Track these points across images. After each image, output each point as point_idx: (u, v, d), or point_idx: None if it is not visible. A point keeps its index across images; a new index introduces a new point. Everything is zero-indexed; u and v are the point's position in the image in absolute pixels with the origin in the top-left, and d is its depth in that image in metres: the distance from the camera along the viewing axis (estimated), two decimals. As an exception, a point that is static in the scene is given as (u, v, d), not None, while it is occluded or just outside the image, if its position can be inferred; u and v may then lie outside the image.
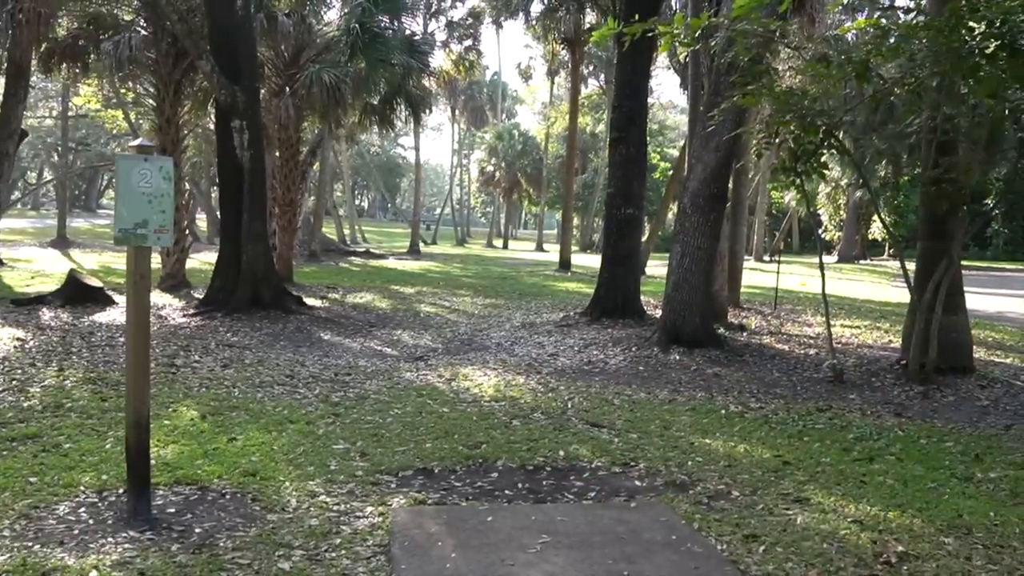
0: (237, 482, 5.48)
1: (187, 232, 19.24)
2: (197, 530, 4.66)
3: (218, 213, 18.40)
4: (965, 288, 10.57)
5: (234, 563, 4.22)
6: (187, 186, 21.36)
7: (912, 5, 10.56)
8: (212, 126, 17.46)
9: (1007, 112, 8.78)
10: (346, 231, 49.09)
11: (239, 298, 13.47)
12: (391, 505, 5.14)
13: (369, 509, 5.06)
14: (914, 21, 8.94)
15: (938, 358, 9.52)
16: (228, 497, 5.23)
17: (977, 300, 15.32)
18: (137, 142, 4.85)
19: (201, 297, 14.59)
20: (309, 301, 15.54)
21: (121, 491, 5.08)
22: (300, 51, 18.92)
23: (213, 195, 39.78)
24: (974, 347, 10.79)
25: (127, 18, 17.20)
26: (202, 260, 24.36)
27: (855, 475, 6.03)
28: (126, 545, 4.38)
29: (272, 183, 18.76)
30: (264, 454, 6.13)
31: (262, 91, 16.95)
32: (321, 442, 6.53)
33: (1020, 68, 7.88)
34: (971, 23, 8.04)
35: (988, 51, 7.99)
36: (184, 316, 13.18)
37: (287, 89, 18.57)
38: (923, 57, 8.58)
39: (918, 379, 9.44)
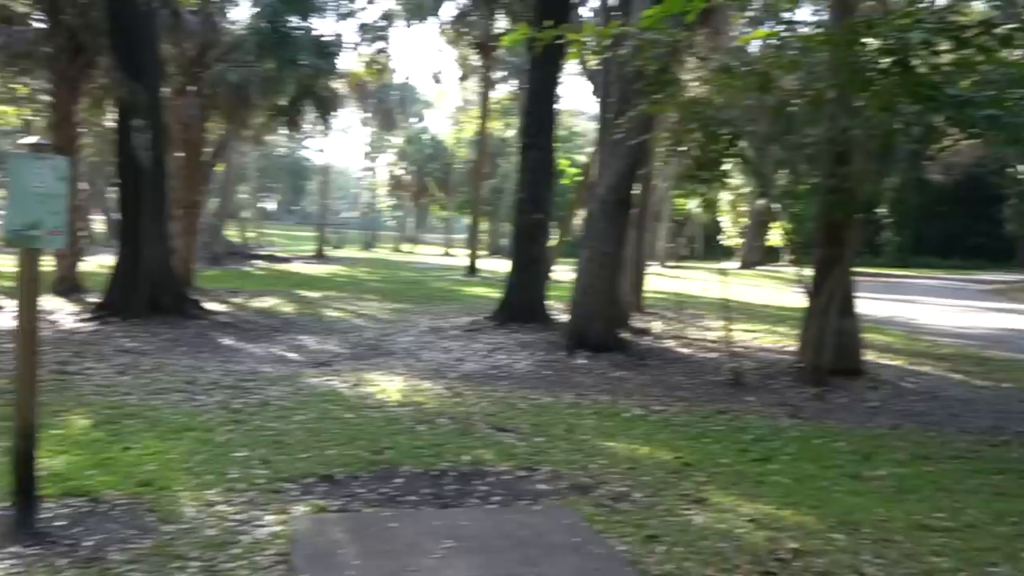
0: (131, 492, 5.28)
1: (83, 234, 18.52)
2: (87, 543, 4.47)
3: (116, 214, 17.78)
4: (857, 293, 10.96)
5: (126, 576, 4.08)
6: (83, 186, 20.63)
7: (812, 20, 10.90)
8: (111, 124, 16.89)
9: (899, 125, 9.10)
10: (250, 234, 48.14)
11: (136, 303, 13.00)
12: (293, 513, 5.03)
13: (270, 518, 4.95)
14: (813, 35, 9.24)
15: (831, 361, 9.82)
16: (121, 508, 5.03)
17: (868, 305, 15.90)
18: (31, 140, 4.65)
19: (97, 302, 14.04)
20: (210, 306, 15.16)
21: (5, 504, 4.86)
22: (206, 49, 18.41)
23: (111, 196, 38.48)
24: (865, 350, 11.19)
25: (21, 10, 16.47)
26: (98, 263, 23.50)
27: (752, 475, 6.17)
28: (10, 561, 4.18)
29: (173, 184, 18.22)
30: (160, 463, 5.93)
31: (165, 89, 16.45)
32: (221, 450, 6.34)
33: (911, 83, 8.23)
34: (866, 39, 8.36)
35: (882, 66, 8.32)
36: (78, 321, 12.67)
37: (192, 88, 18.07)
38: (821, 70, 8.88)
39: (812, 381, 9.71)
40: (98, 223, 42.51)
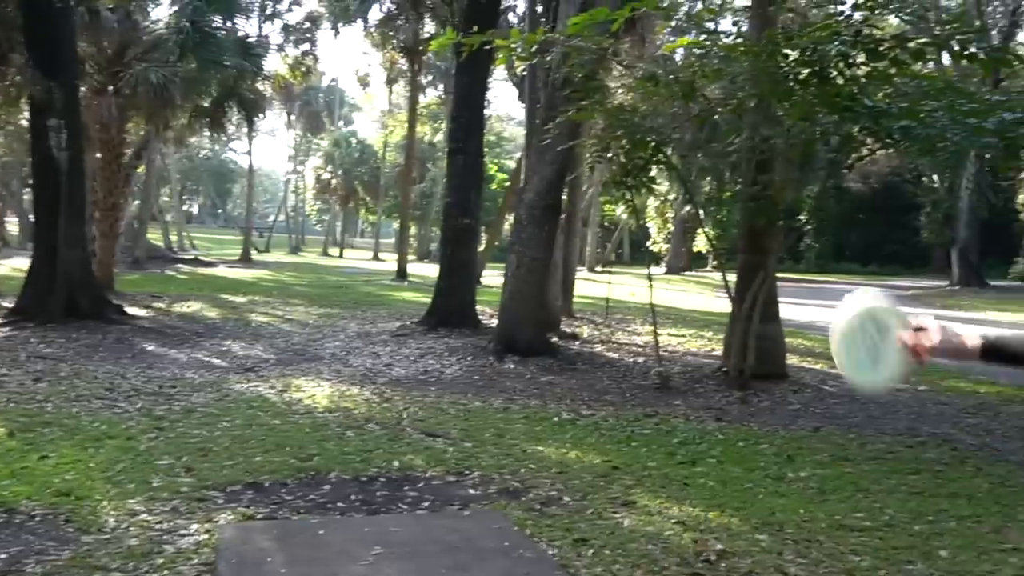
0: (49, 503, 5.12)
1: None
2: (2, 556, 4.32)
3: (31, 217, 17.19)
4: (780, 299, 11.20)
5: (43, 588, 3.97)
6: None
7: (734, 30, 11.11)
8: (25, 123, 16.35)
9: (818, 134, 9.34)
10: (173, 237, 47.13)
11: (53, 307, 12.62)
12: (218, 521, 4.94)
13: (195, 526, 4.85)
14: (735, 45, 9.42)
15: (755, 365, 9.97)
16: (38, 519, 4.88)
17: (790, 310, 16.25)
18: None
19: (10, 307, 13.58)
20: (132, 310, 14.80)
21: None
22: (125, 48, 17.96)
23: (26, 197, 37.28)
24: (787, 354, 11.43)
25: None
26: (12, 267, 22.78)
27: (679, 478, 6.25)
28: (-81, 575, 4.04)
29: (93, 186, 17.72)
30: (80, 472, 5.77)
31: (83, 88, 16.00)
32: (143, 458, 6.20)
33: (829, 94, 8.45)
34: (786, 50, 8.56)
35: (801, 77, 8.53)
36: (-9, 326, 12.28)
37: (111, 87, 17.60)
38: (743, 80, 9.06)
39: (737, 385, 9.85)
40: (12, 225, 41.21)
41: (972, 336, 1.89)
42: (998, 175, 36.06)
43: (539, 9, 16.80)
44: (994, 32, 36.56)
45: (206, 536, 4.71)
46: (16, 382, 8.82)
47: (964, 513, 5.62)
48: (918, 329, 1.92)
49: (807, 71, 8.44)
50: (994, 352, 1.88)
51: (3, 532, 4.67)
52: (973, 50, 8.32)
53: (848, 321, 2.05)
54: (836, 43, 8.20)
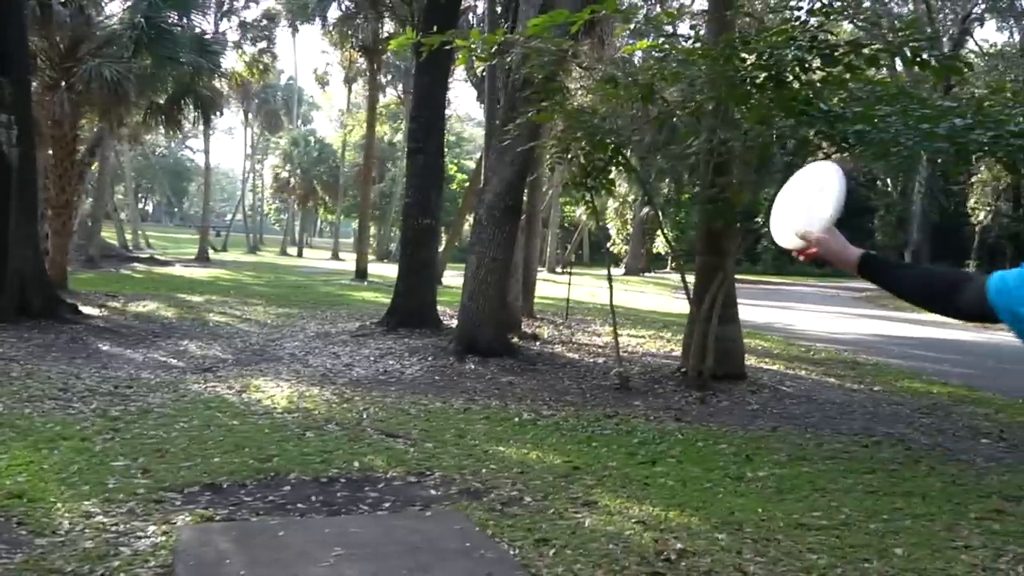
0: (0, 505, 5.03)
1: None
2: (-48, 559, 4.26)
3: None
4: (738, 300, 11.32)
5: (-4, 594, 3.90)
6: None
7: (692, 35, 11.23)
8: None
9: (775, 138, 9.44)
10: (128, 236, 46.40)
11: (4, 306, 12.35)
12: (176, 523, 4.87)
13: (151, 528, 4.78)
14: (693, 49, 9.51)
15: (714, 366, 10.05)
16: (-10, 522, 4.82)
17: (749, 311, 16.44)
18: None
19: (-41, 305, 13.31)
20: (86, 309, 14.55)
21: None
22: (78, 43, 17.63)
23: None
24: (746, 355, 11.55)
25: None
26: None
27: (639, 478, 6.28)
28: None
29: (45, 183, 17.38)
30: (32, 474, 5.66)
31: (34, 84, 15.69)
32: (98, 459, 6.09)
33: (785, 98, 8.56)
34: (743, 54, 8.66)
35: (758, 81, 8.63)
36: (-61, 326, 12.00)
37: (63, 83, 17.26)
38: (701, 83, 9.14)
39: (696, 385, 9.93)
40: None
41: (855, 251, 2.04)
42: (949, 180, 36.77)
43: (499, 10, 16.85)
44: (945, 39, 37.29)
45: (163, 538, 4.64)
46: (-34, 384, 8.65)
47: (918, 511, 5.73)
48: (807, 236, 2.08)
49: (764, 75, 8.53)
50: (868, 268, 2.03)
51: (-46, 536, 4.58)
52: (925, 57, 8.49)
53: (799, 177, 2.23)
54: (792, 48, 8.32)
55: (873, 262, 2.04)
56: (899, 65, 8.61)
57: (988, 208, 39.88)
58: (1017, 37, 40.98)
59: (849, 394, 10.57)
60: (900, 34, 8.71)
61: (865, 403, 9.98)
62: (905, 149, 8.21)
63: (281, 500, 5.48)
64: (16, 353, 10.52)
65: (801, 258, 2.19)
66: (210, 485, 5.67)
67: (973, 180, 38.55)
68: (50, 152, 18.02)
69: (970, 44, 40.59)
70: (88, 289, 19.23)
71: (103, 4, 19.32)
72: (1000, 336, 19.61)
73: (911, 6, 37.45)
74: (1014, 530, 5.44)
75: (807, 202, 2.13)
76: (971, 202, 40.34)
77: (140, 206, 73.67)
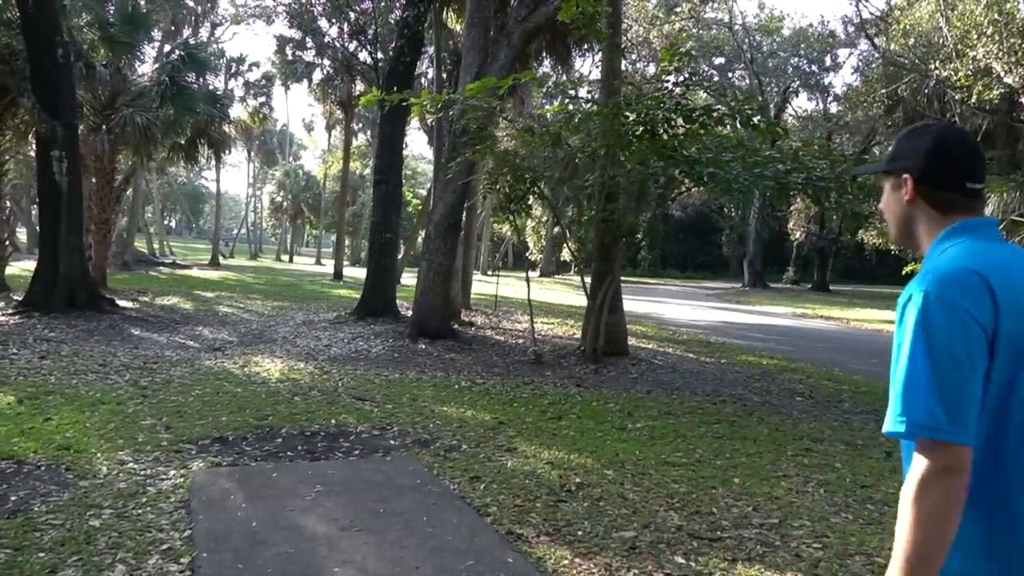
0: (52, 455, 4.84)
1: (7, 243, 16.62)
2: (12, 498, 4.07)
3: (37, 227, 16.04)
4: (623, 296, 11.46)
5: (47, 524, 3.74)
6: (7, 203, 18.62)
7: (589, 97, 11.31)
8: (33, 154, 15.33)
9: (650, 175, 9.60)
10: (156, 245, 44.94)
11: (56, 299, 11.84)
12: (191, 468, 4.76)
13: (172, 472, 4.66)
14: (590, 108, 9.61)
15: (605, 345, 10.19)
16: (43, 469, 4.61)
17: (631, 304, 16.67)
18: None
19: (20, 299, 12.70)
20: (121, 303, 14.01)
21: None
22: (116, 96, 16.98)
23: (33, 212, 34.88)
24: (628, 337, 11.72)
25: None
26: (21, 267, 21.23)
27: (549, 429, 6.34)
28: (-61, 517, 3.75)
29: (89, 204, 16.70)
30: (77, 431, 5.46)
31: (80, 127, 15.05)
32: (130, 419, 5.91)
33: (657, 146, 8.70)
34: (627, 113, 8.78)
35: (637, 133, 8.76)
36: (3, 315, 11.40)
37: (104, 127, 16.61)
38: (596, 133, 9.23)
39: (591, 360, 10.03)
40: (22, 234, 38.51)
41: None
42: (775, 208, 37.88)
43: (444, 76, 16.74)
44: (772, 105, 38.33)
45: (181, 480, 4.53)
46: (25, 360, 8.28)
47: (751, 451, 5.90)
48: None
49: (641, 129, 8.68)
50: None
51: (14, 479, 4.40)
52: (756, 121, 8.75)
53: None
54: (662, 110, 8.49)
55: None
56: (739, 124, 8.82)
57: (802, 229, 41.16)
58: (822, 106, 42.40)
59: (703, 366, 10.80)
60: (739, 102, 8.93)
61: (715, 372, 10.20)
62: (743, 186, 8.42)
63: (274, 449, 5.38)
64: (65, 337, 10.11)
65: None
66: (218, 438, 5.55)
67: (792, 208, 39.76)
68: (93, 180, 17.39)
69: (789, 109, 41.86)
70: (123, 287, 18.52)
71: (136, 65, 18.58)
72: (810, 323, 20.27)
73: (747, 81, 38.43)
74: (818, 463, 5.65)
75: None
76: (791, 224, 41.58)
77: (165, 222, 71.09)
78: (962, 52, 18.55)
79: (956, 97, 20.99)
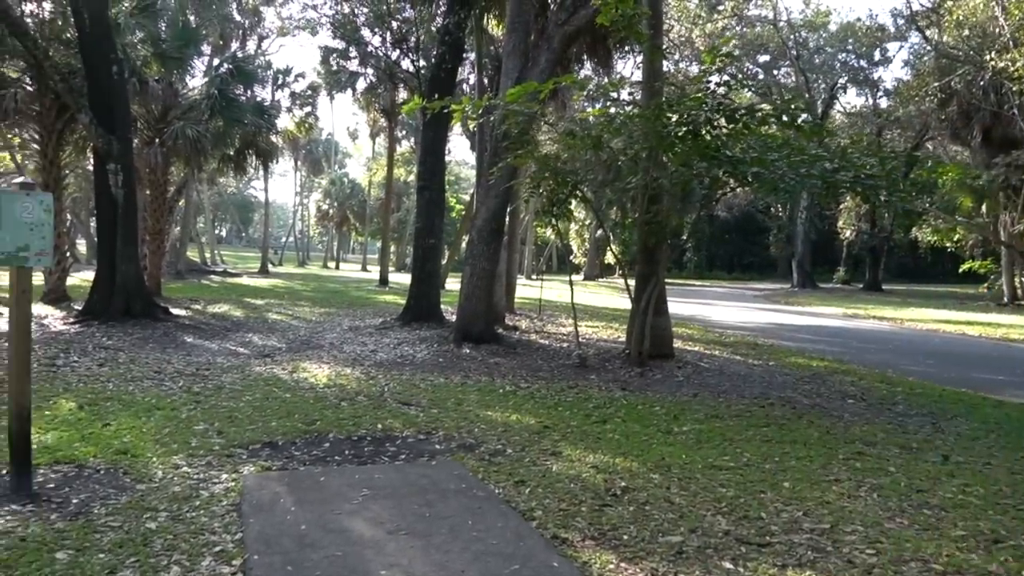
0: (110, 460, 5.00)
1: (68, 254, 17.27)
2: (74, 501, 4.22)
3: (95, 239, 16.65)
4: (668, 298, 11.34)
5: (107, 526, 3.86)
6: (68, 216, 19.35)
7: (631, 99, 11.25)
8: (91, 167, 15.90)
9: (693, 176, 9.50)
10: (207, 255, 46.11)
11: (113, 308, 12.26)
12: (242, 472, 4.87)
13: (224, 476, 4.77)
14: (632, 111, 9.55)
15: (650, 348, 10.08)
16: (102, 472, 4.76)
17: (676, 306, 16.49)
18: (19, 180, 4.39)
19: (80, 308, 13.18)
20: (175, 311, 14.43)
21: (4, 472, 4.53)
22: (168, 110, 17.54)
23: (92, 224, 36.17)
24: (674, 339, 11.58)
25: (13, 75, 15.27)
26: (81, 278, 22.05)
27: (593, 433, 6.30)
28: (8, 517, 3.91)
29: (143, 215, 17.26)
30: (135, 436, 5.63)
31: (135, 141, 15.57)
32: (184, 424, 6.07)
33: (700, 147, 8.60)
34: (669, 114, 8.70)
35: (680, 134, 8.67)
36: (64, 324, 11.83)
37: (156, 140, 17.16)
38: (638, 135, 9.17)
39: (637, 363, 9.94)
40: (82, 246, 39.97)
41: None
42: (823, 207, 37.08)
43: (485, 82, 16.85)
44: (819, 102, 37.56)
45: (233, 484, 4.63)
46: (84, 367, 8.57)
47: (801, 455, 5.77)
48: None
49: (684, 130, 8.58)
50: None
51: (75, 483, 4.55)
52: (799, 121, 8.58)
53: None
54: (704, 110, 8.38)
55: None
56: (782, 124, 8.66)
57: (852, 228, 40.18)
58: (871, 101, 41.36)
59: (751, 368, 10.61)
60: (784, 101, 8.78)
61: (763, 374, 10.02)
62: (789, 185, 8.27)
63: (322, 454, 5.46)
64: (122, 344, 10.44)
65: None
66: (268, 443, 5.66)
67: (841, 207, 38.87)
68: (147, 192, 17.95)
69: (837, 106, 40.94)
70: (176, 295, 19.05)
71: (186, 80, 19.16)
72: (861, 323, 19.76)
73: (793, 79, 37.72)
74: (871, 467, 5.49)
75: None
76: (840, 223, 40.64)
77: (216, 231, 73.01)
78: (1020, 42, 17.90)
79: (1014, 89, 20.28)
